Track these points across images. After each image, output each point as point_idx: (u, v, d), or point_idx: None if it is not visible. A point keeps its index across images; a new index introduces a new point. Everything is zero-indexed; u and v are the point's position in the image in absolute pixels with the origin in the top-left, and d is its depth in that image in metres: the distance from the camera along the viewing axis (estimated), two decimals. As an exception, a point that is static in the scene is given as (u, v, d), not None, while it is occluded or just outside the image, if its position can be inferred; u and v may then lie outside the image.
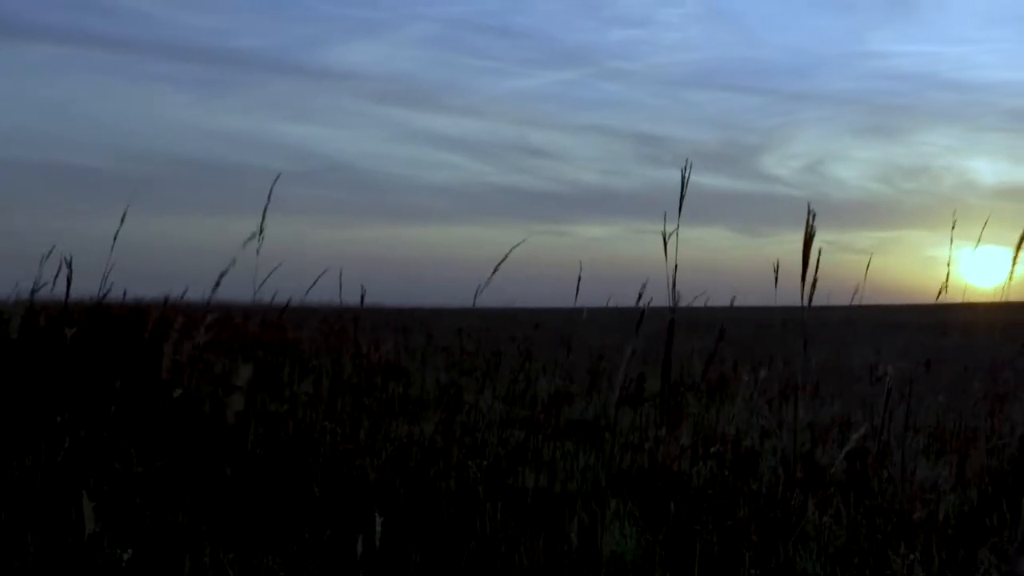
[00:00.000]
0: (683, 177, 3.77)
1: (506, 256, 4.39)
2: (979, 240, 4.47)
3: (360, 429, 6.13)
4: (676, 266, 3.88)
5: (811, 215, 3.82)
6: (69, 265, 5.36)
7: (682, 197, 3.78)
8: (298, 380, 8.96)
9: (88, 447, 5.08)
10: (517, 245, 4.43)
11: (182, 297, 7.11)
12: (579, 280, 5.35)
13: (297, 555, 4.11)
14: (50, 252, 5.66)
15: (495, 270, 4.37)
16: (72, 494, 4.11)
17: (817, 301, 4.04)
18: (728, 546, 4.29)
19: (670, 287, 3.91)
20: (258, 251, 4.58)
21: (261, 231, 4.57)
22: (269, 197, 4.55)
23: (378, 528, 3.01)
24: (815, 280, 3.94)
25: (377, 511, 3.23)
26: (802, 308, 4.02)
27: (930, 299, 4.71)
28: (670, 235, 3.83)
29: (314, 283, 5.28)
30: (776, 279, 4.09)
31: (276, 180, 4.59)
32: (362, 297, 5.73)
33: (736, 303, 6.20)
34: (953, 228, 4.48)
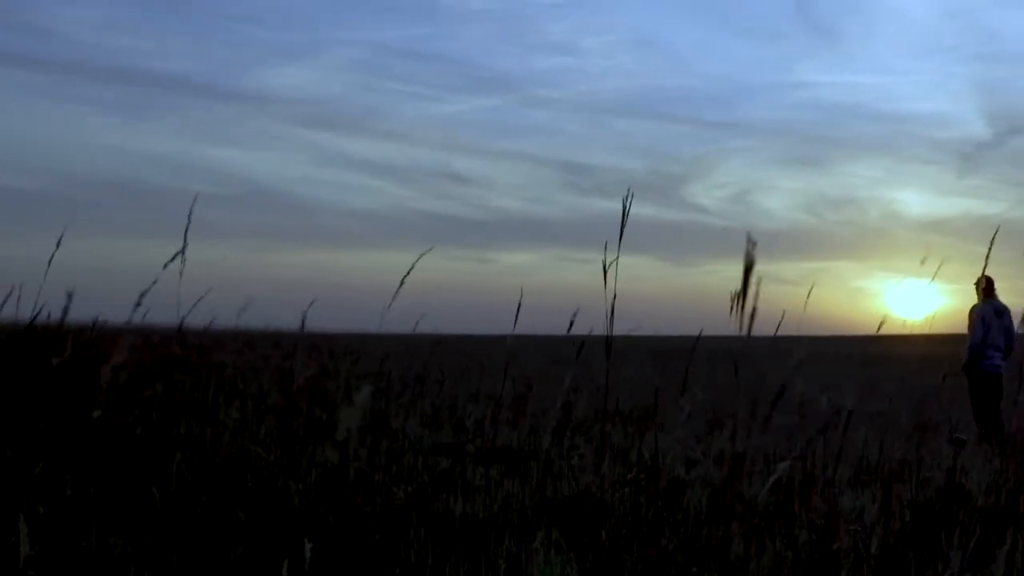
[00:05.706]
0: (624, 207, 3.75)
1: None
2: (913, 273, 4.51)
3: (286, 454, 6.05)
4: (615, 295, 3.86)
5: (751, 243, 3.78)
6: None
7: (623, 226, 3.77)
8: (224, 404, 8.83)
9: (16, 469, 4.94)
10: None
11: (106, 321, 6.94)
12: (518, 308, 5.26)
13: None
14: None
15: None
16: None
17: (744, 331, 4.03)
18: (653, 575, 4.28)
19: (608, 316, 3.90)
20: (181, 274, 4.48)
21: (183, 252, 4.46)
22: (189, 218, 4.44)
23: (307, 554, 2.96)
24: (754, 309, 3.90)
25: (303, 536, 3.18)
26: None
27: (856, 330, 4.74)
28: (610, 264, 3.81)
29: (243, 308, 5.21)
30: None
31: (195, 200, 4.49)
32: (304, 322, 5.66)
33: (663, 332, 6.23)
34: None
